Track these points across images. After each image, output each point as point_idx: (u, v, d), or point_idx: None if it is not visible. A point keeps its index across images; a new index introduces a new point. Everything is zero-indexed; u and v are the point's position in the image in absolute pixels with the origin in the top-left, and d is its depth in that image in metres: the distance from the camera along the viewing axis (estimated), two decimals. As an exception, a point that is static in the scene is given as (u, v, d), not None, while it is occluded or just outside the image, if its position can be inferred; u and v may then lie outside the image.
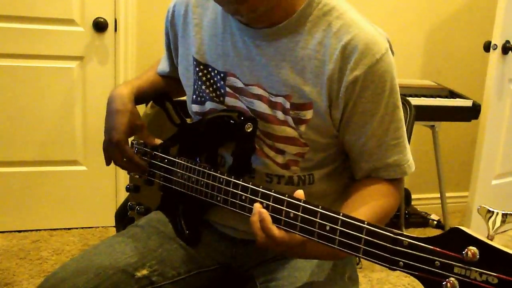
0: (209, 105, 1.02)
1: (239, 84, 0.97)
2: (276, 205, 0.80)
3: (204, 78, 1.02)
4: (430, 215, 2.85)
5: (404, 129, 0.97)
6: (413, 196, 2.94)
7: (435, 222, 2.77)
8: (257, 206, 0.82)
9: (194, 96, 1.05)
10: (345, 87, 0.89)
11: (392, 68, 0.91)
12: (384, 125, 0.93)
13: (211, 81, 1.01)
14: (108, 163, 1.11)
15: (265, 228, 0.79)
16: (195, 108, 1.05)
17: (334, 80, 0.90)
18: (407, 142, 0.98)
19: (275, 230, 0.79)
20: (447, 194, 2.65)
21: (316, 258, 0.84)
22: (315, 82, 0.91)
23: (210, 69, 1.01)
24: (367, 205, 0.90)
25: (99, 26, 2.37)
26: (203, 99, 1.03)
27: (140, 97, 1.11)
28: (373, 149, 0.94)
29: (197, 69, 1.03)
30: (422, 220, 2.81)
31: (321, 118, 0.93)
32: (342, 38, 0.89)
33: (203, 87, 1.02)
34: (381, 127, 0.93)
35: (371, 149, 0.94)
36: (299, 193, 0.80)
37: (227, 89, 0.99)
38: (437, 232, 2.61)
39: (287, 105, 0.93)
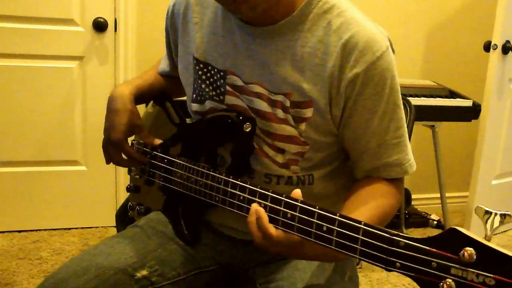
0: (209, 104, 1.02)
1: (239, 83, 0.97)
2: (273, 205, 0.80)
3: (204, 77, 1.02)
4: (430, 215, 2.85)
5: (405, 128, 0.96)
6: (413, 196, 2.94)
7: (435, 222, 2.77)
8: (254, 206, 0.81)
9: (194, 95, 1.05)
10: (345, 85, 0.89)
11: (392, 66, 0.91)
12: (385, 123, 0.92)
13: (211, 79, 1.01)
14: (108, 162, 1.11)
15: (262, 227, 0.79)
16: (194, 107, 1.05)
17: (334, 77, 0.89)
18: (408, 141, 0.97)
19: (272, 229, 0.79)
20: (447, 194, 2.65)
21: (314, 259, 0.84)
22: (315, 80, 0.91)
23: (210, 68, 1.00)
24: (368, 205, 0.90)
25: (99, 26, 2.37)
26: (203, 98, 1.03)
27: (140, 97, 1.11)
28: (374, 148, 0.94)
29: (197, 67, 1.02)
30: (422, 220, 2.81)
31: (321, 116, 0.92)
32: (342, 36, 0.88)
33: (203, 85, 1.02)
34: (381, 126, 0.92)
35: (371, 148, 0.94)
36: (297, 192, 0.80)
37: (227, 87, 0.99)
38: (437, 232, 2.61)
39: (287, 103, 0.93)
